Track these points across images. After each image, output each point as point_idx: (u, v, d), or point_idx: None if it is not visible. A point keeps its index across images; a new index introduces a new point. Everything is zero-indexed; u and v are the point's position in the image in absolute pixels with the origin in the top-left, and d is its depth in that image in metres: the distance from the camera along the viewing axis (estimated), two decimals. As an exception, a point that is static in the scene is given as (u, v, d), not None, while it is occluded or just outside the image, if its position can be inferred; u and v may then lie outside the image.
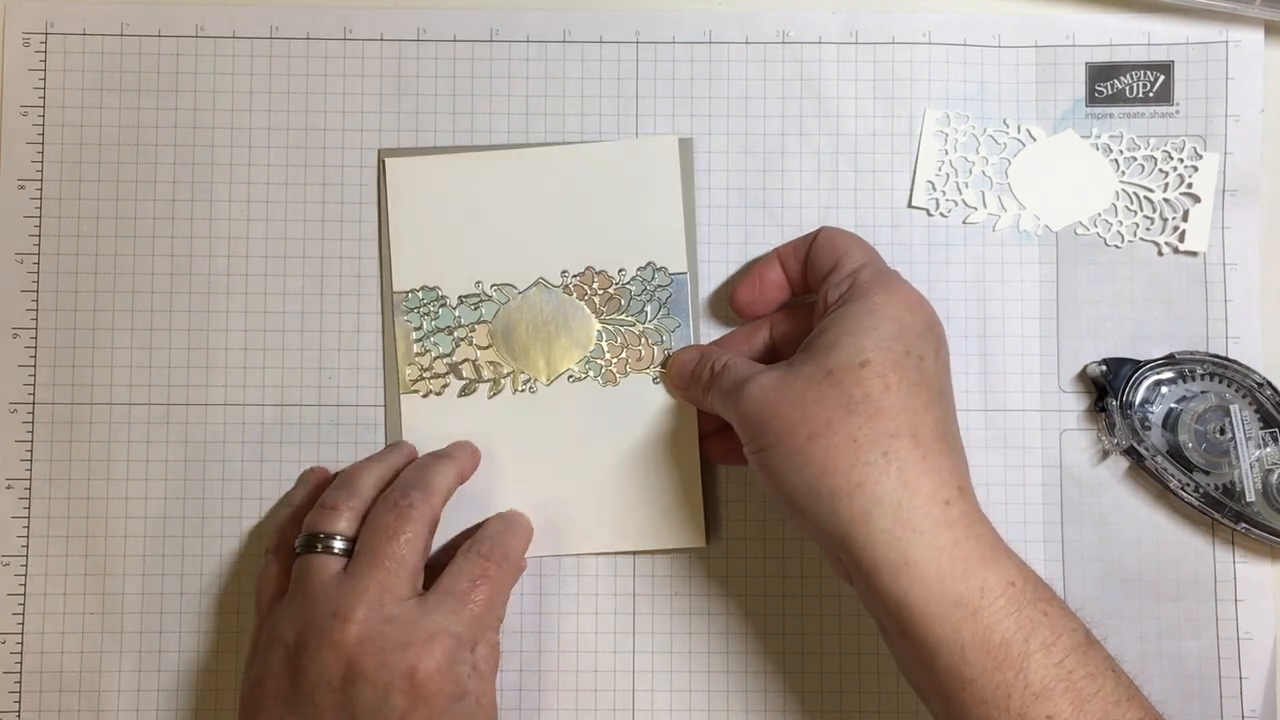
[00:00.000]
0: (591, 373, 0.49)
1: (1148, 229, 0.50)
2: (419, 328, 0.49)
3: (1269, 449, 0.48)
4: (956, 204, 0.50)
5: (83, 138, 0.50)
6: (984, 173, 0.50)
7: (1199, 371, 0.49)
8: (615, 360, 0.49)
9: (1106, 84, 0.50)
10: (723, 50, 0.50)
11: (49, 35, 0.50)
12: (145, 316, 0.50)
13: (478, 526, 0.48)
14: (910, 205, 0.50)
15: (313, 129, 0.50)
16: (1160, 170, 0.50)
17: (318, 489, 0.47)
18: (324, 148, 0.50)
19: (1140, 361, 0.49)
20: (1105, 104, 0.50)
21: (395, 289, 0.50)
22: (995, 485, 0.49)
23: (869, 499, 0.38)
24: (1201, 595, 0.49)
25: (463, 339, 0.49)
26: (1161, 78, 0.50)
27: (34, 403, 0.49)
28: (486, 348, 0.49)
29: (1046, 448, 0.49)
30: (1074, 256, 0.50)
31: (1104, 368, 0.49)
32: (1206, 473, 0.48)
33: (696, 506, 0.49)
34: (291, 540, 0.45)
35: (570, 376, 0.49)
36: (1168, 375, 0.49)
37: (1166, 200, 0.50)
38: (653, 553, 0.49)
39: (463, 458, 0.48)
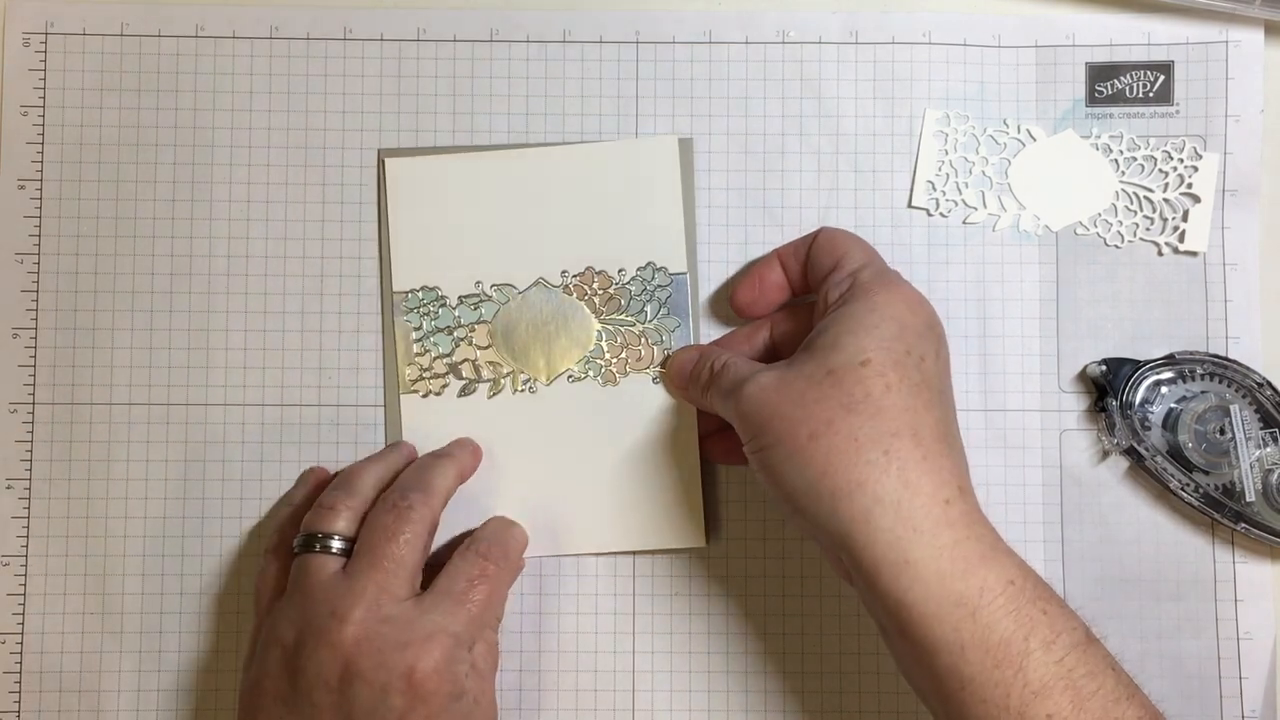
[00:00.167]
0: (591, 373, 0.49)
1: (1148, 229, 0.50)
2: (419, 328, 0.49)
3: (1269, 449, 0.48)
4: (956, 204, 0.50)
5: (83, 138, 0.50)
6: (984, 173, 0.50)
7: (1199, 371, 0.49)
8: (615, 360, 0.49)
9: (1106, 84, 0.50)
10: (723, 50, 0.50)
11: (49, 35, 0.50)
12: (145, 316, 0.50)
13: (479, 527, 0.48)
14: (910, 205, 0.50)
15: (313, 129, 0.50)
16: (1160, 170, 0.50)
17: (317, 489, 0.47)
18: (324, 148, 0.50)
19: (1140, 361, 0.49)
20: (1105, 104, 0.50)
21: (395, 289, 0.50)
22: (995, 485, 0.49)
23: (869, 498, 0.38)
24: (1201, 595, 0.49)
25: (462, 339, 0.49)
26: (1161, 78, 0.50)
27: (34, 403, 0.49)
28: (486, 348, 0.49)
29: (1046, 448, 0.49)
30: (1074, 256, 0.50)
31: (1104, 368, 0.49)
32: (1206, 473, 0.48)
33: (696, 506, 0.49)
34: (291, 540, 0.45)
35: (570, 376, 0.49)
36: (1168, 375, 0.49)
37: (1166, 200, 0.50)
38: (653, 553, 0.49)
39: (463, 456, 0.48)
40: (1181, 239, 0.50)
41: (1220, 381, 0.48)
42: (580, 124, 0.50)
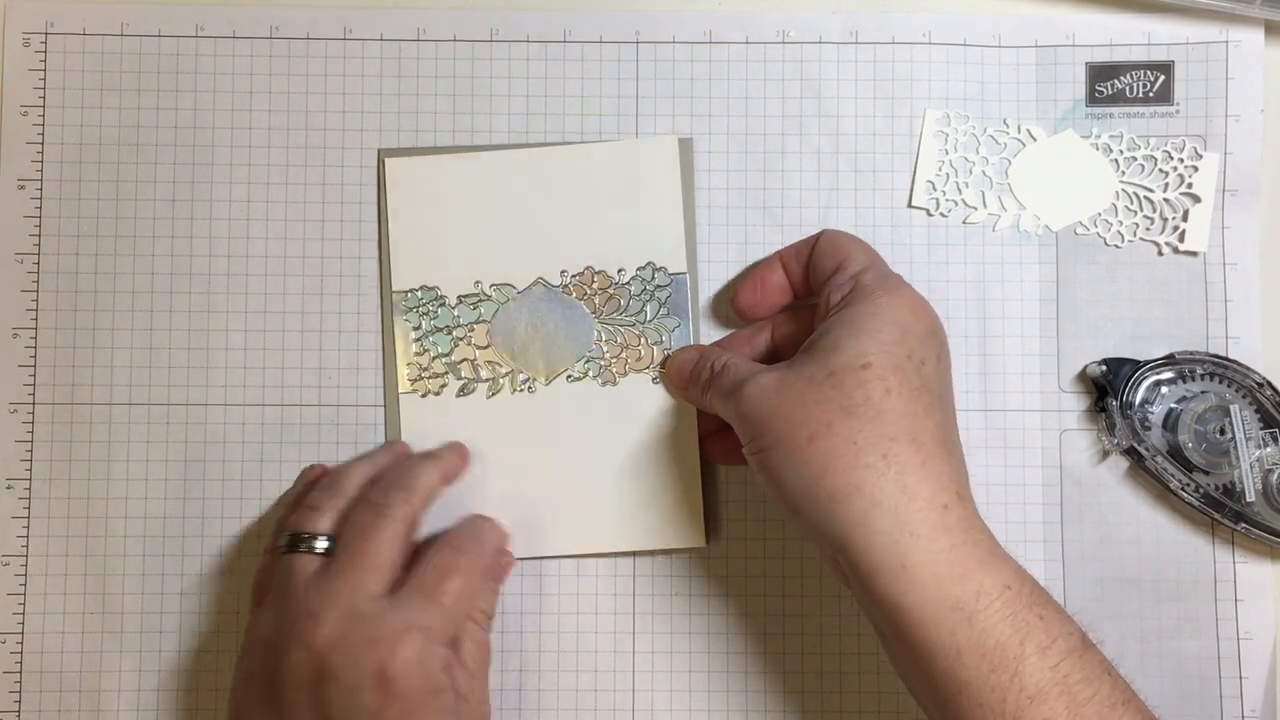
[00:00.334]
0: (590, 373, 0.49)
1: (1148, 229, 0.50)
2: (418, 327, 0.49)
3: (1269, 449, 0.48)
4: (956, 204, 0.50)
5: (83, 138, 0.50)
6: (984, 173, 0.50)
7: (1199, 371, 0.49)
8: (614, 360, 0.49)
9: (1106, 84, 0.50)
10: (723, 50, 0.50)
11: (49, 35, 0.50)
12: (145, 316, 0.50)
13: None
14: (910, 205, 0.50)
15: (313, 129, 0.50)
16: (1160, 170, 0.50)
17: (316, 488, 0.47)
18: (324, 148, 0.50)
19: (1140, 361, 0.49)
20: (1105, 104, 0.50)
21: (395, 289, 0.50)
22: (995, 485, 0.49)
23: (867, 501, 0.38)
24: (1201, 595, 0.49)
25: (461, 339, 0.49)
26: (1161, 78, 0.50)
27: (34, 403, 0.49)
28: (485, 347, 0.49)
29: (1046, 448, 0.49)
30: (1074, 256, 0.50)
31: (1104, 368, 0.49)
32: (1206, 473, 0.48)
33: (696, 506, 0.49)
34: (287, 539, 0.45)
35: (569, 376, 0.49)
36: (1168, 375, 0.49)
37: (1166, 200, 0.50)
38: (653, 553, 0.49)
39: (448, 458, 0.48)
40: (1181, 239, 0.50)
41: (1220, 381, 0.48)
42: (580, 124, 0.50)
